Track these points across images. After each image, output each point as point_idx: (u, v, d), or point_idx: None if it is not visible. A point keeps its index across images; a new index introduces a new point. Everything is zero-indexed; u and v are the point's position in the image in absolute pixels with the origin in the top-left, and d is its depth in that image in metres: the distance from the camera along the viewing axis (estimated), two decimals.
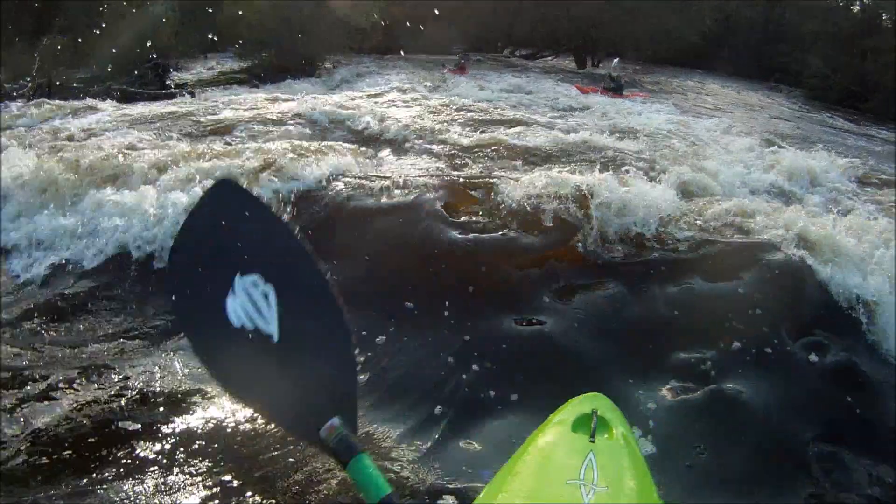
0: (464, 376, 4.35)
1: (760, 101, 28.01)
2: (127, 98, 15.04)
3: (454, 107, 13.11)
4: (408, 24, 29.96)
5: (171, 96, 15.86)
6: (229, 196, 1.82)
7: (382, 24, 27.04)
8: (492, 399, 4.19)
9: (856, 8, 37.23)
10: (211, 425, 3.76)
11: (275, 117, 10.75)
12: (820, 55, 32.44)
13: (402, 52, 29.60)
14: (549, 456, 2.34)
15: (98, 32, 23.15)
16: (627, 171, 7.27)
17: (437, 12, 26.86)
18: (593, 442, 2.29)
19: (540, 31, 35.41)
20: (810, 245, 5.39)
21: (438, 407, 4.09)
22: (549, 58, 36.69)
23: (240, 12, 23.27)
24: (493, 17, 34.40)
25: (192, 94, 16.59)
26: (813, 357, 4.48)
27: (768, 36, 41.26)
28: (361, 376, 2.55)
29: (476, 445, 3.80)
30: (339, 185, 6.42)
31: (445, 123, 11.24)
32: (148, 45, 22.24)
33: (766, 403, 4.16)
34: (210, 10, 26.13)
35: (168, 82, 19.14)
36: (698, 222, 6.06)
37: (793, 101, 30.19)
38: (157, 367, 4.40)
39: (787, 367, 4.47)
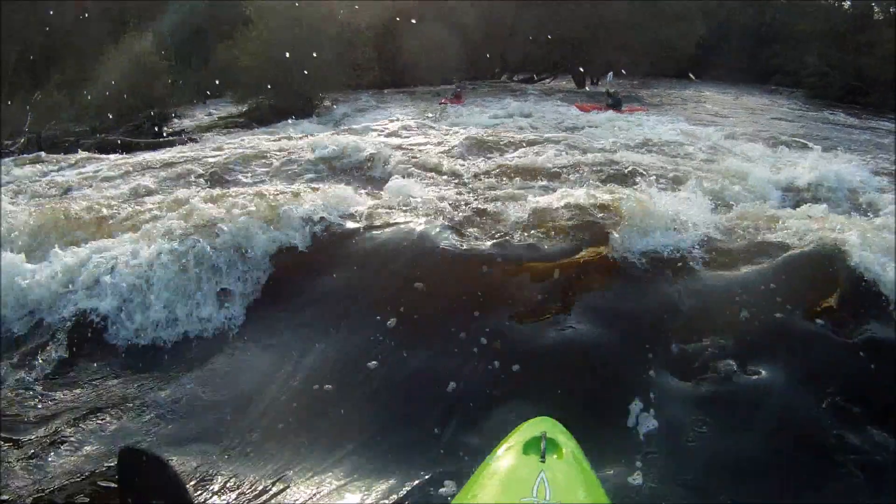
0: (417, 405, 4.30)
1: (763, 104, 27.89)
2: (123, 149, 14.54)
3: (457, 134, 12.67)
4: (403, 57, 29.85)
5: (168, 144, 15.34)
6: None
7: (378, 59, 26.70)
8: (447, 424, 4.11)
9: (847, 4, 37.09)
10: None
11: (271, 158, 10.27)
12: (817, 54, 32.20)
13: (399, 86, 29.46)
14: (504, 478, 2.53)
15: (93, 85, 23.07)
16: (654, 185, 6.87)
17: (431, 43, 26.72)
18: (543, 462, 2.46)
19: (535, 53, 35.10)
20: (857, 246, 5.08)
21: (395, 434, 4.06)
22: (547, 80, 36.35)
23: (236, 53, 23.11)
24: (488, 44, 34.10)
25: (188, 141, 16.14)
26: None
27: (761, 38, 41.05)
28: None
29: (433, 469, 3.72)
30: (341, 217, 6.16)
31: (450, 151, 10.85)
32: (144, 95, 22.25)
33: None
34: (205, 58, 26.05)
35: (165, 131, 18.66)
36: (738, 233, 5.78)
37: (794, 101, 30.00)
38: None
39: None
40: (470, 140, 11.62)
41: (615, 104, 20.27)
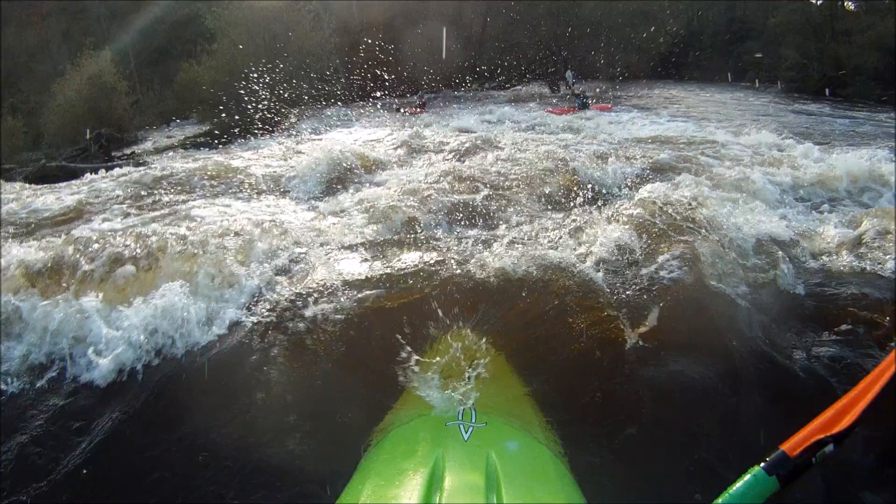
0: None
1: (744, 100, 27.11)
2: (64, 176, 13.10)
3: (426, 146, 11.43)
4: (371, 68, 28.60)
5: (114, 168, 13.80)
6: None
7: (345, 70, 25.32)
8: None
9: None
10: None
11: (225, 180, 8.87)
12: (792, 46, 31.33)
13: (367, 98, 28.19)
14: (427, 401, 2.56)
15: (51, 109, 21.77)
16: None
17: (400, 54, 25.54)
18: (469, 382, 2.57)
19: (507, 60, 34.02)
20: None
21: None
22: (520, 86, 35.21)
23: (198, 71, 21.80)
24: (458, 53, 32.99)
25: (140, 164, 14.63)
26: None
27: (734, 35, 40.37)
28: None
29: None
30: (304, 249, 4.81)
31: (420, 162, 9.66)
32: (103, 117, 20.93)
33: None
34: (168, 78, 24.76)
35: (114, 154, 17.09)
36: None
37: (773, 96, 29.15)
38: None
39: None
40: (440, 153, 10.40)
41: (583, 105, 20.64)
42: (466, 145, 10.50)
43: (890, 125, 18.64)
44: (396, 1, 29.70)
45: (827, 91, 28.49)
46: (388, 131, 15.67)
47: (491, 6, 31.02)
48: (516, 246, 4.24)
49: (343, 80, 24.33)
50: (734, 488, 1.36)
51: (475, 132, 15.34)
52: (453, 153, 9.94)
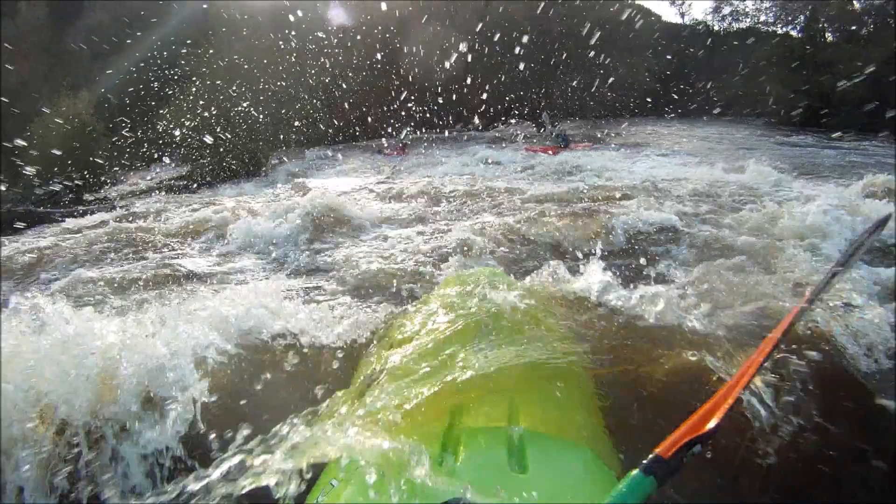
0: None
1: (729, 134, 26.97)
2: (35, 220, 12.32)
3: (408, 190, 10.92)
4: (354, 110, 28.11)
5: (83, 215, 13.00)
6: None
7: (328, 112, 24.76)
8: None
9: (794, 32, 36.76)
10: None
11: (187, 232, 8.20)
12: (776, 80, 31.14)
13: (351, 140, 27.71)
14: (446, 326, 2.50)
15: (27, 150, 21.03)
16: None
17: (383, 95, 25.11)
18: (488, 313, 2.54)
19: (490, 100, 33.57)
20: None
21: None
22: (503, 126, 34.75)
23: (177, 114, 21.16)
24: (441, 94, 32.56)
25: (111, 209, 13.82)
26: None
27: (715, 70, 40.34)
28: None
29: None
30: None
31: (407, 207, 9.05)
32: (81, 159, 20.21)
33: None
34: (149, 120, 24.14)
35: (86, 198, 16.26)
36: None
37: (758, 129, 29.13)
38: None
39: None
40: (420, 197, 9.81)
41: (564, 143, 20.06)
42: (458, 194, 9.94)
43: (877, 154, 18.45)
44: (378, 42, 29.30)
45: (810, 122, 28.54)
46: (372, 179, 15.19)
47: (474, 47, 30.58)
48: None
49: (325, 121, 23.78)
50: (617, 490, 1.38)
51: (464, 176, 14.79)
52: (446, 206, 9.30)
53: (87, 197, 16.82)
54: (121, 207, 13.51)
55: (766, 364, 1.78)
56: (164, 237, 7.86)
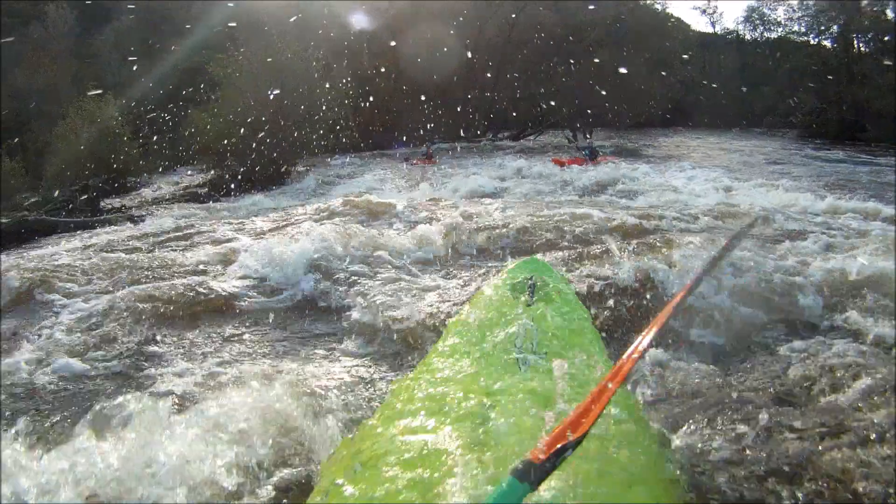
0: None
1: (762, 148, 26.20)
2: (45, 230, 11.47)
3: (441, 205, 10.12)
4: (383, 117, 27.34)
5: (96, 225, 12.16)
6: None
7: (356, 118, 23.90)
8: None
9: (827, 42, 35.72)
10: None
11: (215, 255, 7.27)
12: (810, 91, 30.11)
13: (378, 148, 26.94)
14: (488, 325, 2.51)
15: (52, 153, 20.46)
16: None
17: (413, 102, 24.36)
18: (531, 306, 2.56)
19: (521, 109, 32.69)
20: None
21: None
22: (533, 136, 33.79)
23: (205, 118, 20.44)
24: (471, 102, 31.75)
25: (128, 219, 13.03)
26: None
27: (745, 80, 39.39)
28: None
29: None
30: None
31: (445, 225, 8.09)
32: (105, 162, 19.60)
33: None
34: (177, 123, 23.49)
35: (104, 206, 15.40)
36: None
37: (790, 142, 28.32)
38: None
39: None
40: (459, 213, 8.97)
41: (592, 155, 19.63)
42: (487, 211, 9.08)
43: None
44: (406, 50, 28.51)
45: (844, 135, 27.66)
46: (402, 195, 14.43)
47: (505, 55, 29.74)
48: None
49: (352, 129, 22.97)
50: (491, 496, 1.35)
51: (492, 192, 13.97)
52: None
53: (105, 204, 15.99)
54: (136, 219, 12.69)
55: (632, 371, 1.72)
56: (164, 272, 6.85)
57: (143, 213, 13.87)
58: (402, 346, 4.41)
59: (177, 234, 9.39)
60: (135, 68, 28.19)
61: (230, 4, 29.77)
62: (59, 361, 4.20)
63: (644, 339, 1.79)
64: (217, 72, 20.76)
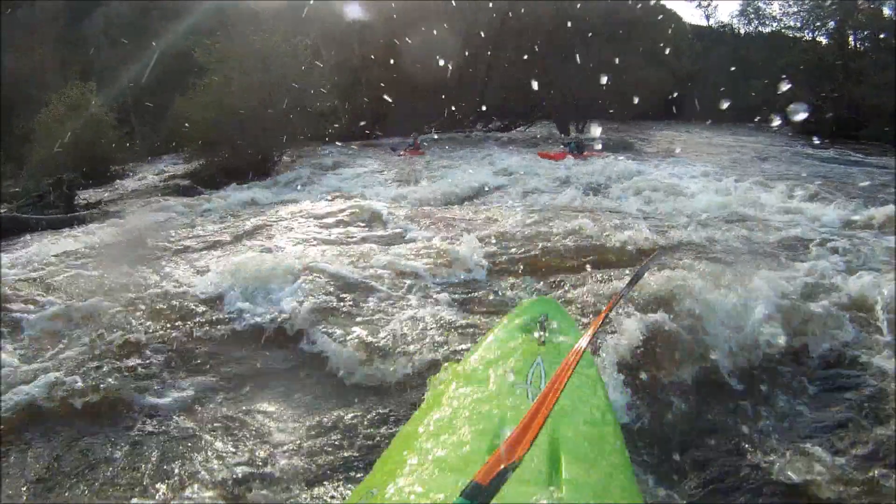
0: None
1: (756, 143, 26.15)
2: (17, 228, 10.72)
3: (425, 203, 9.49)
4: (373, 106, 26.57)
5: (73, 222, 11.38)
6: None
7: (345, 108, 23.12)
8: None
9: (822, 38, 35.10)
10: None
11: (184, 271, 6.55)
12: (805, 87, 29.42)
13: (368, 137, 26.22)
14: (498, 360, 2.51)
15: (33, 141, 19.67)
16: None
17: (403, 91, 23.64)
18: (542, 346, 2.55)
19: (512, 98, 31.89)
20: None
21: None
22: (525, 127, 32.98)
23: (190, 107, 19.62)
24: (462, 91, 30.86)
25: (102, 216, 12.23)
26: None
27: (739, 75, 38.75)
28: None
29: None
30: None
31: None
32: (86, 151, 18.85)
33: None
34: (163, 112, 22.69)
35: (78, 202, 14.55)
36: None
37: (784, 139, 28.00)
38: None
39: None
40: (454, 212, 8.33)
41: (578, 149, 19.38)
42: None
43: None
44: (397, 39, 27.70)
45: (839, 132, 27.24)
46: (389, 189, 13.81)
47: (498, 46, 28.90)
48: None
49: (341, 118, 22.19)
50: None
51: (481, 192, 13.29)
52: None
53: (81, 199, 15.17)
54: (111, 216, 11.95)
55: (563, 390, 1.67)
56: (124, 292, 6.09)
57: (119, 210, 13.12)
58: (401, 388, 4.00)
59: (148, 238, 8.69)
60: (125, 51, 27.41)
61: None
62: None
63: (570, 364, 1.80)
64: (203, 57, 19.90)
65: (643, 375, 3.84)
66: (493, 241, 7.16)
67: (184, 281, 6.08)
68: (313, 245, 7.49)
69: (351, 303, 5.24)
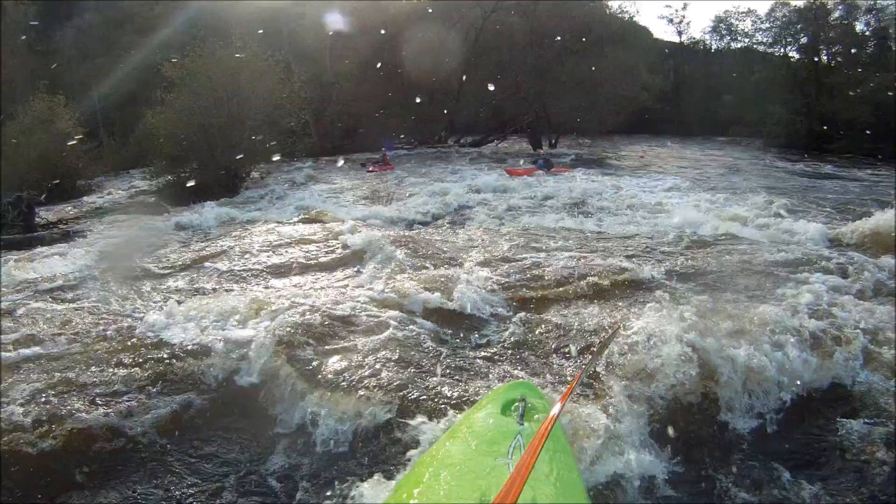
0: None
1: (729, 157, 25.77)
2: None
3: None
4: (343, 121, 26.29)
5: (31, 243, 10.89)
6: None
7: (315, 124, 22.73)
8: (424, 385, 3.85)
9: (793, 53, 35.29)
10: None
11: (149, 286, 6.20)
12: (778, 102, 29.55)
13: (338, 153, 25.87)
14: (480, 436, 2.56)
15: None
16: None
17: (373, 106, 23.38)
18: (522, 425, 2.58)
19: (485, 114, 31.68)
20: None
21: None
22: (497, 142, 32.67)
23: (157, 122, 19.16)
24: (434, 106, 30.63)
25: (64, 237, 11.83)
26: None
27: (711, 89, 38.94)
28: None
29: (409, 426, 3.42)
30: None
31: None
32: (52, 165, 18.45)
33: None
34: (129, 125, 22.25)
35: (37, 221, 14.00)
36: None
37: (758, 152, 28.17)
38: None
39: None
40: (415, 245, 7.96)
41: (546, 166, 19.50)
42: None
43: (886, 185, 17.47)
44: (370, 53, 27.49)
45: (812, 145, 27.48)
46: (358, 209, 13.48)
47: (471, 60, 28.69)
48: None
49: (312, 134, 21.81)
50: None
51: (449, 215, 12.90)
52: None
53: (41, 217, 14.67)
54: (69, 237, 11.56)
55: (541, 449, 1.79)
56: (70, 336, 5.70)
57: (81, 230, 12.71)
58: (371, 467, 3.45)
59: (104, 263, 8.30)
60: (97, 64, 26.92)
61: (194, 4, 28.56)
62: None
63: (544, 430, 1.89)
64: (171, 72, 19.47)
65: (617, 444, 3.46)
66: (467, 271, 6.77)
67: (137, 314, 5.74)
68: (275, 275, 7.13)
69: (312, 343, 4.77)
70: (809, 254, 7.23)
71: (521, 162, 22.56)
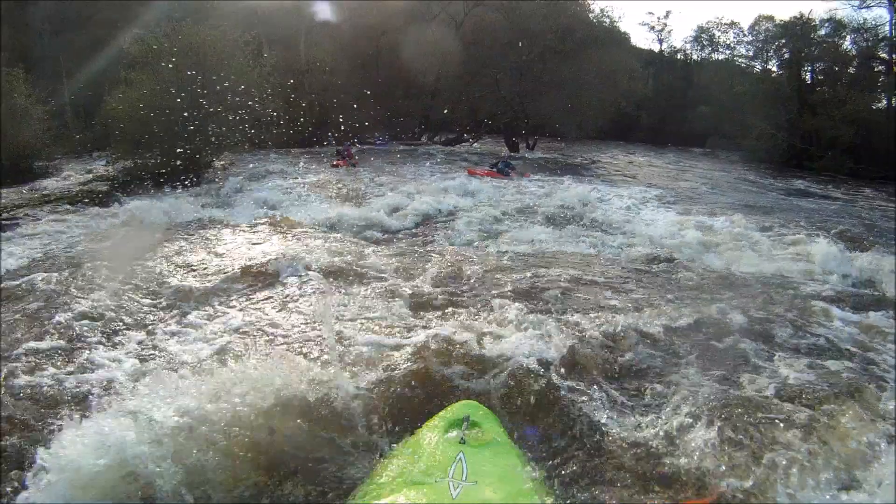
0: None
1: (706, 170, 25.65)
2: None
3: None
4: (315, 113, 25.14)
5: None
6: None
7: (286, 114, 21.52)
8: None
9: (774, 67, 34.80)
10: None
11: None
12: (760, 116, 28.85)
13: (307, 145, 24.87)
14: (422, 458, 2.56)
15: None
16: None
17: (347, 99, 22.32)
18: (463, 444, 2.60)
19: (460, 111, 30.59)
20: None
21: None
22: (473, 142, 31.56)
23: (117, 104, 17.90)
24: (409, 102, 29.60)
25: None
26: None
27: (689, 100, 38.35)
28: None
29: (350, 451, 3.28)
30: None
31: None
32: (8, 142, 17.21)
33: None
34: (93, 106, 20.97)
35: None
36: None
37: (736, 165, 27.62)
38: None
39: None
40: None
41: (504, 169, 19.35)
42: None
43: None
44: (347, 42, 26.44)
45: (792, 161, 27.78)
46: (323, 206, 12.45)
47: (449, 58, 27.59)
48: None
49: (281, 124, 20.63)
50: None
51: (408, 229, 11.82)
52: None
53: None
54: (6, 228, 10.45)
55: None
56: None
57: (21, 219, 11.60)
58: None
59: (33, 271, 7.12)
60: (67, 40, 25.60)
61: None
62: None
63: None
64: (133, 50, 18.21)
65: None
66: (432, 290, 5.92)
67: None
68: (220, 297, 6.08)
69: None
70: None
71: (482, 163, 21.95)
